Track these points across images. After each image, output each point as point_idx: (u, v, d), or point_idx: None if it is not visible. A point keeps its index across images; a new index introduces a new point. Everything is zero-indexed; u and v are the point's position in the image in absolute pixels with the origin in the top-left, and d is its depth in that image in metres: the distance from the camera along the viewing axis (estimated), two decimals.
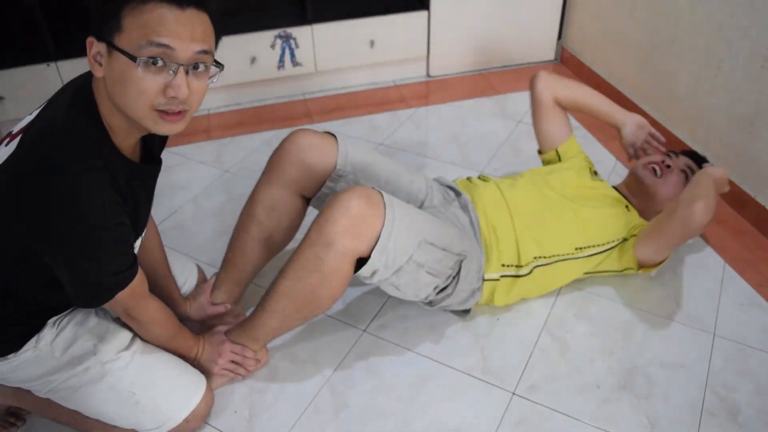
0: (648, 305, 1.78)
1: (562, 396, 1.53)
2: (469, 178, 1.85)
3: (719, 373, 1.59)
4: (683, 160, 1.84)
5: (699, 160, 1.86)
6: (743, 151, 2.10)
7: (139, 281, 1.21)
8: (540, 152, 2.02)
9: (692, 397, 1.53)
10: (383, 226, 1.35)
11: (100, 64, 1.01)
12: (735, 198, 2.14)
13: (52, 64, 2.47)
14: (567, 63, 3.10)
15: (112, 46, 0.98)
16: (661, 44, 2.42)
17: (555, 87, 1.93)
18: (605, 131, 2.22)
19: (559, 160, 1.96)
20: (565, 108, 1.96)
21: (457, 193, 1.77)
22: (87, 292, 1.16)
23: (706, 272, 1.89)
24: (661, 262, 1.71)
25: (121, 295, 1.18)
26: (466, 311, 1.69)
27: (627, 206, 1.80)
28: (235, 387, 1.56)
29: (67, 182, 1.02)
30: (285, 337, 1.68)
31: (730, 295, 1.81)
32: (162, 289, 1.55)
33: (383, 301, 1.78)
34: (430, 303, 1.59)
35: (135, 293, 1.22)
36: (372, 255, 1.36)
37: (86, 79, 1.09)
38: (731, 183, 2.15)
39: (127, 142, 1.13)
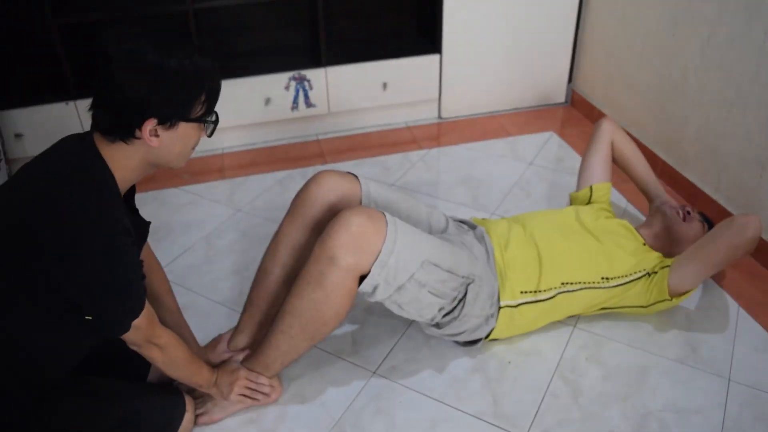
0: (661, 349, 1.76)
1: None
2: (483, 219, 1.87)
3: (735, 420, 1.56)
4: (697, 214, 1.93)
5: (706, 218, 1.95)
6: (754, 193, 2.10)
7: (150, 309, 1.29)
8: (572, 194, 2.10)
9: None
10: (384, 242, 1.39)
11: (157, 136, 1.19)
12: None
13: (71, 103, 2.53)
14: (577, 106, 3.13)
15: (185, 120, 1.21)
16: (672, 88, 2.44)
17: (617, 132, 2.08)
18: (618, 173, 2.22)
19: (589, 200, 2.02)
20: (614, 156, 2.08)
21: (472, 226, 1.81)
22: (121, 308, 1.22)
23: (720, 316, 1.88)
24: (689, 291, 1.73)
25: (141, 321, 1.25)
26: (476, 341, 1.69)
27: (644, 244, 1.84)
28: (243, 428, 1.55)
29: (104, 220, 1.16)
30: (294, 375, 1.67)
31: (745, 340, 1.79)
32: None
33: (394, 343, 1.77)
34: (437, 325, 1.60)
35: (151, 319, 1.29)
36: (372, 269, 1.39)
37: (86, 138, 1.23)
38: None
39: (123, 191, 1.28)
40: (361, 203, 1.65)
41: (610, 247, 1.76)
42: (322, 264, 1.39)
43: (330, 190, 1.62)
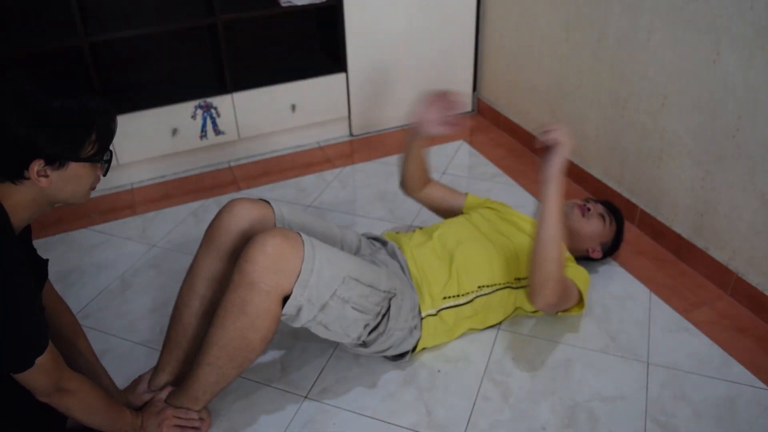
0: (582, 341, 1.81)
1: None
2: (397, 232, 1.89)
3: (657, 401, 1.62)
4: (600, 207, 1.98)
5: (613, 209, 2.01)
6: (655, 183, 2.21)
7: (55, 350, 1.24)
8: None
9: (634, 427, 1.56)
10: (303, 261, 1.39)
11: (46, 176, 1.18)
12: (653, 229, 2.23)
13: None
14: (484, 113, 3.21)
15: (75, 160, 1.20)
16: (569, 89, 2.55)
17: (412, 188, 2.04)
18: (526, 176, 2.30)
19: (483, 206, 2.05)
20: (422, 184, 2.04)
21: (383, 243, 1.83)
22: (21, 342, 1.18)
23: (634, 303, 1.96)
24: (573, 304, 1.77)
25: (46, 359, 1.20)
26: (404, 354, 1.69)
27: None
28: None
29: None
30: (225, 408, 1.63)
31: (659, 323, 1.87)
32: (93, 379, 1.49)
33: (323, 364, 1.76)
34: (364, 344, 1.59)
35: (57, 359, 1.24)
36: (294, 290, 1.38)
37: None
38: (648, 215, 2.25)
39: (18, 229, 1.26)
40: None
41: (520, 244, 1.81)
42: (243, 290, 1.37)
43: (243, 217, 1.60)
